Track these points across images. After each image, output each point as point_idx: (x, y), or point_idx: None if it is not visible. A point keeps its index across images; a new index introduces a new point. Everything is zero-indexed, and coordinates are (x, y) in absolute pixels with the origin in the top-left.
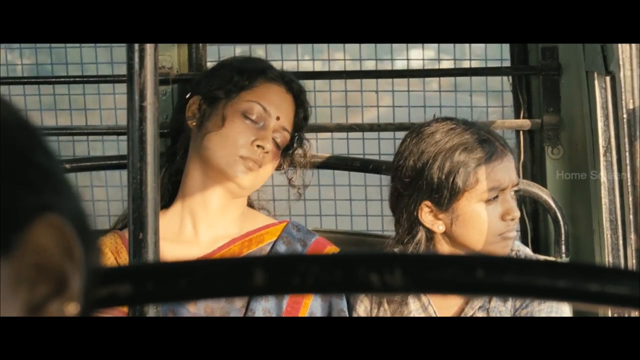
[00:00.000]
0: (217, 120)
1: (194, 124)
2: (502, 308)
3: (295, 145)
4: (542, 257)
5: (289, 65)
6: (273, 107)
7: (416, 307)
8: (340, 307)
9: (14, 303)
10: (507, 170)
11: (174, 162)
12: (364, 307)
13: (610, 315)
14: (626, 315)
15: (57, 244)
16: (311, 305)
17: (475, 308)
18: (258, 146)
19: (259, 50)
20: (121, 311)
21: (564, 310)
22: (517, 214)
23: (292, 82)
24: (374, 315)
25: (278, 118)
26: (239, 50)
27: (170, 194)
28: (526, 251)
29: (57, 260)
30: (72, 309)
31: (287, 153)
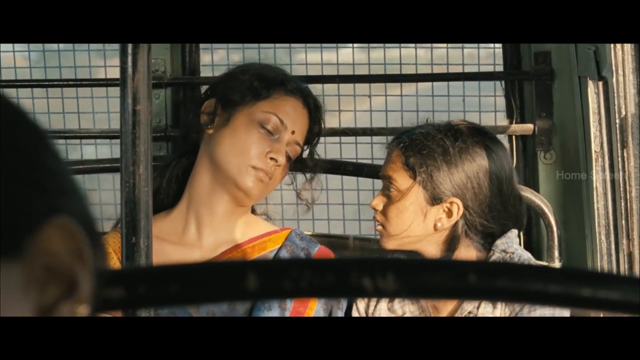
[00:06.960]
0: (232, 126)
1: (208, 126)
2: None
3: (303, 157)
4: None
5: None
6: (290, 120)
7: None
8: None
9: (25, 305)
10: (385, 164)
11: (181, 161)
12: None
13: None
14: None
15: (67, 246)
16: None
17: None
18: (271, 158)
19: (252, 51)
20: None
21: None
22: (373, 204)
23: (309, 97)
24: (371, 309)
25: (293, 132)
26: (232, 54)
27: (174, 194)
28: (524, 256)
29: (67, 262)
30: (82, 311)
31: (294, 165)
